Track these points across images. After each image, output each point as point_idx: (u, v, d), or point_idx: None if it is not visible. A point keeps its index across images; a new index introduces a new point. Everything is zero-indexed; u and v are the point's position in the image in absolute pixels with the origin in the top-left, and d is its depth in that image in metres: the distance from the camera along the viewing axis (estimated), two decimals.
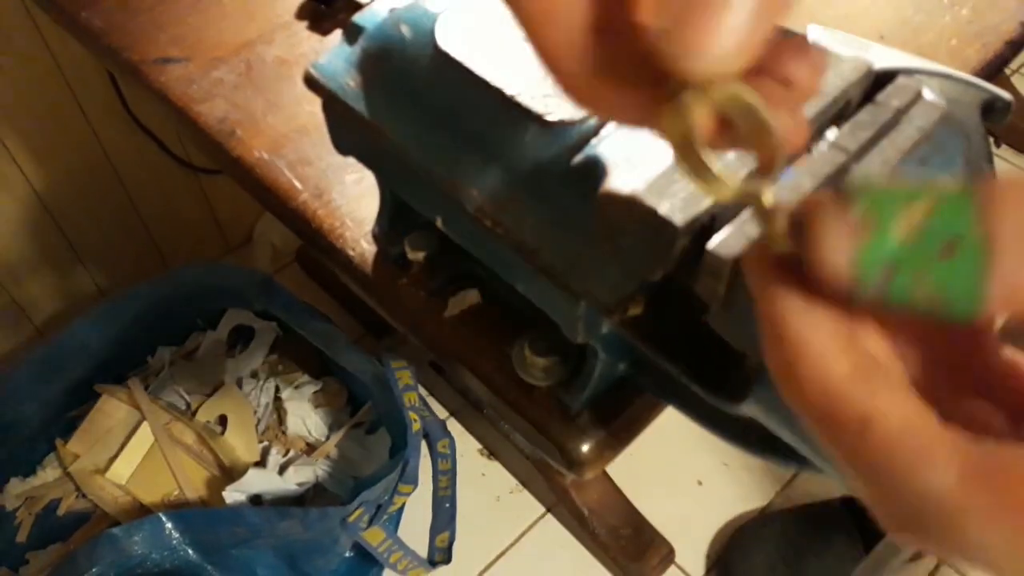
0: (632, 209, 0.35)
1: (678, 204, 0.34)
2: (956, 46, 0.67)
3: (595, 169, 0.38)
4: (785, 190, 0.34)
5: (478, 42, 0.43)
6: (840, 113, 0.40)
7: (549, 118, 0.40)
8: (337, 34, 0.69)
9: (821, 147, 0.36)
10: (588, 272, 0.38)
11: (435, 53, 0.43)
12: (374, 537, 0.90)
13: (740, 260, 0.30)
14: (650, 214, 0.34)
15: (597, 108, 0.25)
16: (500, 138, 0.41)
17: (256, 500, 0.94)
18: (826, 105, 0.38)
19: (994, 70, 0.67)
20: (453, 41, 0.42)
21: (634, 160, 0.38)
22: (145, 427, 0.95)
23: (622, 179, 0.37)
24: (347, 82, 0.46)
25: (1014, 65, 1.54)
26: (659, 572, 1.03)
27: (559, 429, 0.49)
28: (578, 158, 0.40)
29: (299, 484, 0.96)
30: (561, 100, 0.40)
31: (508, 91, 0.40)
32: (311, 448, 1.01)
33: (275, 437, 1.01)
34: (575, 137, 0.40)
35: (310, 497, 0.97)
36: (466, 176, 0.42)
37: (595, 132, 0.40)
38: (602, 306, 0.38)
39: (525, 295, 0.44)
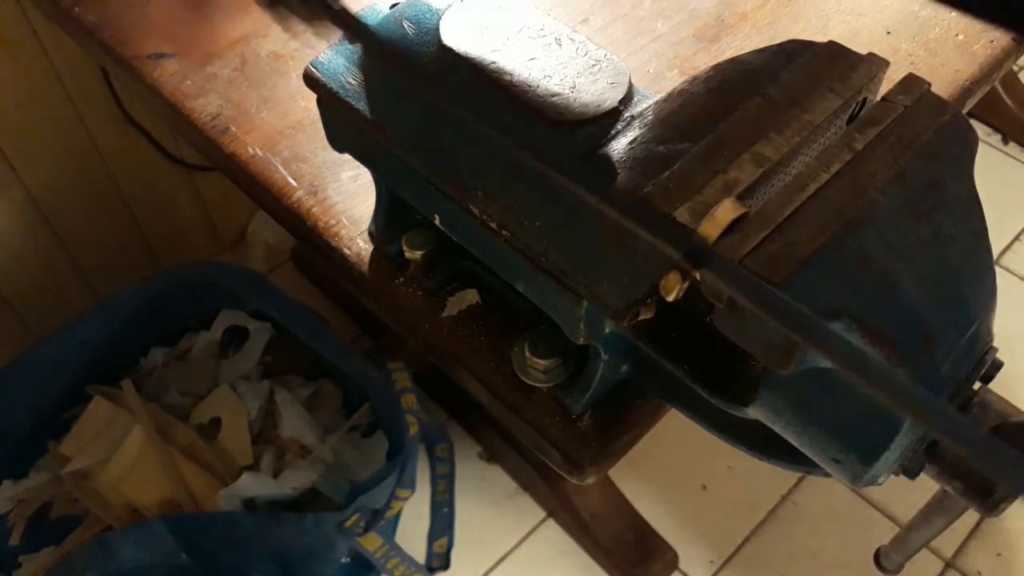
0: (645, 210, 0.34)
1: (696, 208, 0.33)
2: (963, 41, 0.66)
3: (605, 170, 0.37)
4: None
5: (483, 39, 0.42)
6: (856, 112, 0.39)
7: (558, 117, 0.39)
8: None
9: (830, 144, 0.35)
10: (598, 275, 0.37)
11: (439, 50, 0.42)
12: (371, 543, 0.89)
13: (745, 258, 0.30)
14: (665, 218, 0.33)
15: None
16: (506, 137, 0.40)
17: (250, 504, 0.93)
18: (841, 104, 0.37)
19: (1001, 66, 0.66)
20: (458, 38, 0.42)
21: (644, 160, 0.37)
22: (138, 430, 0.94)
23: (634, 181, 0.36)
24: (348, 80, 0.45)
25: (1021, 62, 1.53)
26: None
27: (560, 432, 0.48)
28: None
29: (294, 488, 0.95)
30: (570, 98, 0.39)
31: (515, 89, 0.40)
32: (306, 451, 1.00)
33: (269, 440, 1.00)
34: (584, 137, 0.39)
35: (305, 501, 0.96)
36: (471, 177, 0.41)
37: (605, 132, 0.40)
38: (612, 310, 0.37)
39: (526, 295, 0.43)
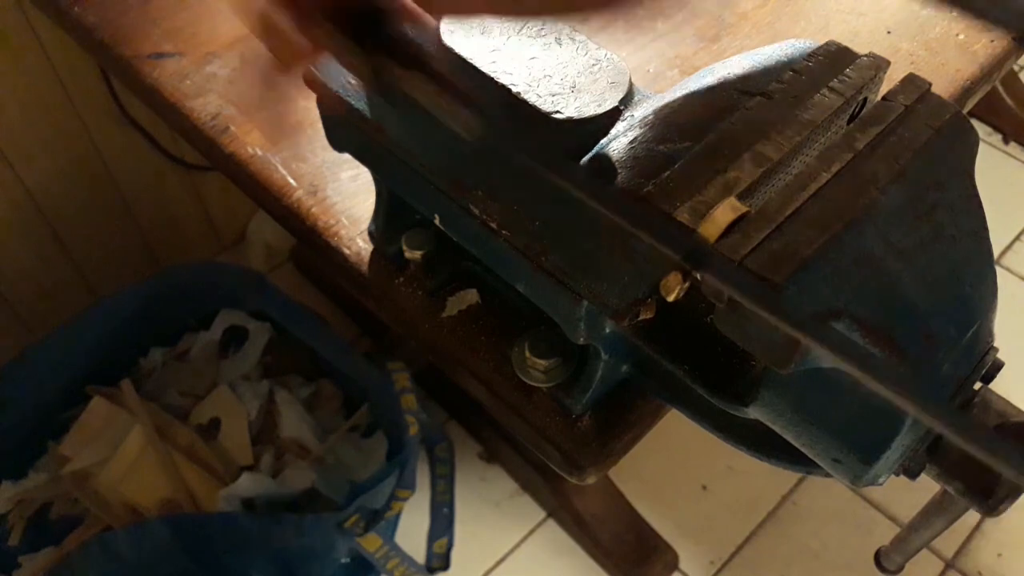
0: (645, 211, 0.33)
1: (697, 208, 0.33)
2: (964, 41, 0.66)
3: (606, 170, 0.37)
4: None
5: (483, 38, 0.42)
6: (857, 111, 0.39)
7: (557, 116, 0.39)
8: None
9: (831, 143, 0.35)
10: (598, 275, 0.37)
11: (439, 50, 0.42)
12: (371, 543, 0.89)
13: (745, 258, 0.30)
14: (665, 217, 0.33)
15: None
16: (506, 137, 0.40)
17: (250, 504, 0.93)
18: (842, 103, 0.37)
19: (1002, 66, 0.66)
20: (458, 37, 0.42)
21: (645, 160, 0.37)
22: (137, 430, 0.94)
23: (634, 180, 0.36)
24: (348, 80, 0.45)
25: (1022, 62, 1.53)
26: None
27: (560, 432, 0.48)
28: (587, 157, 0.39)
29: (293, 488, 0.95)
30: (569, 98, 0.39)
31: (515, 89, 0.40)
32: (306, 451, 1.00)
33: (269, 440, 1.00)
34: (585, 136, 0.39)
35: (305, 502, 0.96)
36: (470, 176, 0.41)
37: (605, 131, 0.39)
38: (612, 310, 0.37)
39: (526, 295, 0.43)
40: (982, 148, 0.37)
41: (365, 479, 0.94)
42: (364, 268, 0.54)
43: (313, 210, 0.56)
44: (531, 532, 1.07)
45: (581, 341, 0.42)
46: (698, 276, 0.29)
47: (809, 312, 0.30)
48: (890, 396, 0.22)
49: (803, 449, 0.38)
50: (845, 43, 0.39)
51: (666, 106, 0.39)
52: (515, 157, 0.30)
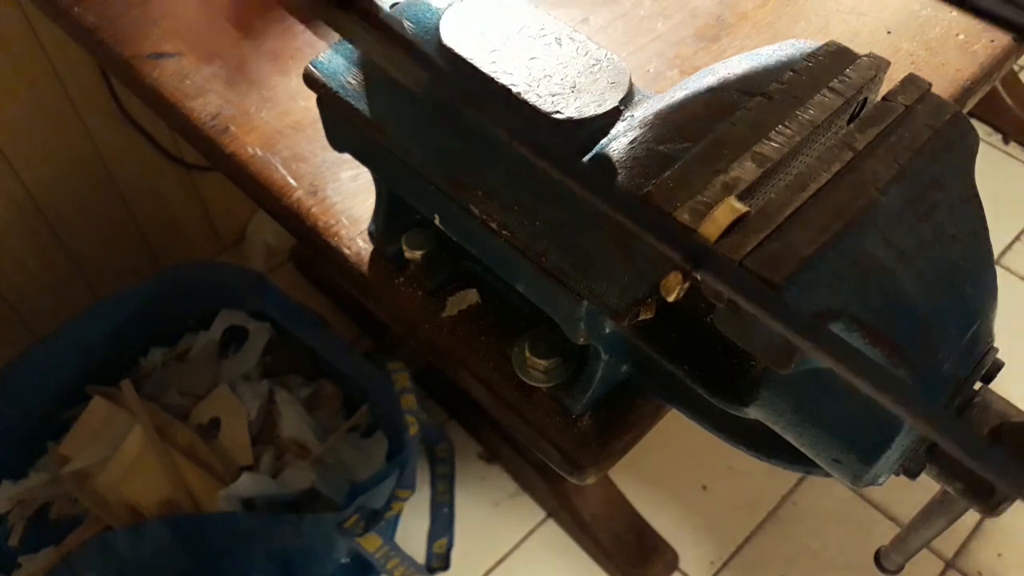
0: (646, 212, 0.33)
1: (697, 208, 0.33)
2: (964, 41, 0.66)
3: (606, 170, 0.37)
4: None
5: (483, 39, 0.42)
6: (857, 111, 0.39)
7: (557, 116, 0.39)
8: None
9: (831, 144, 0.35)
10: (598, 275, 0.37)
11: (439, 50, 0.42)
12: (371, 543, 0.89)
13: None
14: (665, 217, 0.33)
15: None
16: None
17: (250, 504, 0.93)
18: (842, 103, 0.37)
19: (1002, 66, 0.66)
20: (458, 37, 0.42)
21: (645, 160, 0.37)
22: (137, 430, 0.94)
23: (634, 180, 0.36)
24: (348, 80, 0.45)
25: (1022, 62, 1.53)
26: None
27: (560, 432, 0.48)
28: (587, 157, 0.39)
29: (293, 488, 0.95)
30: (569, 98, 0.39)
31: (515, 89, 0.40)
32: (306, 451, 1.00)
33: (269, 440, 1.00)
34: (585, 136, 0.39)
35: (305, 502, 0.96)
36: (471, 177, 0.41)
37: (605, 132, 0.40)
38: (612, 310, 0.37)
39: (526, 295, 0.43)
40: (982, 148, 0.37)
41: (365, 479, 0.94)
42: (364, 268, 0.54)
43: (313, 210, 0.56)
44: (531, 532, 1.07)
45: (581, 341, 0.42)
46: (698, 276, 0.29)
47: (809, 312, 0.30)
48: (885, 402, 0.22)
49: (803, 449, 0.38)
50: (845, 43, 0.39)
51: (666, 106, 0.39)
52: (514, 151, 0.30)
